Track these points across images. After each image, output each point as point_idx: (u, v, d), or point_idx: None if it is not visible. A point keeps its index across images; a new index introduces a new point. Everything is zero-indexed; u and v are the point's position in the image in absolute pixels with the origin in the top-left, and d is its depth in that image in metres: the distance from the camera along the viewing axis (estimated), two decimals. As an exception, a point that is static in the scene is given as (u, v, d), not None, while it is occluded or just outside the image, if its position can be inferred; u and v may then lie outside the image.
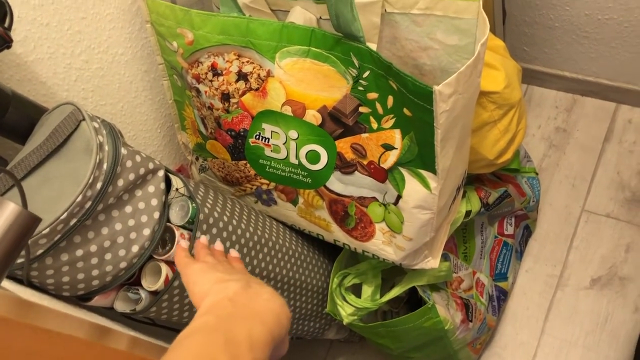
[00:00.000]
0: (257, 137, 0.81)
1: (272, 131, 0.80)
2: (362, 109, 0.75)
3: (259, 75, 0.76)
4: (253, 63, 0.76)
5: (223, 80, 0.78)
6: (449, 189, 0.79)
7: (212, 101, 0.80)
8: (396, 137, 0.74)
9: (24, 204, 0.41)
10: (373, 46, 0.78)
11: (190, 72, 0.80)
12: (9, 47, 0.60)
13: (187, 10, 0.74)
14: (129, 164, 0.60)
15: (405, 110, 0.70)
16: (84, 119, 0.58)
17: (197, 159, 0.94)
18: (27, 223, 0.38)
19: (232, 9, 0.75)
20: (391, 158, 0.76)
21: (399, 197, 0.78)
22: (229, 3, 0.74)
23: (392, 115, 0.73)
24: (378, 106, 0.73)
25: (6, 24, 0.58)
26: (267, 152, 0.82)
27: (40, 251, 0.55)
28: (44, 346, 0.42)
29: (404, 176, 0.76)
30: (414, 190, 0.76)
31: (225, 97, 0.79)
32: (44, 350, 0.43)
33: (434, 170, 0.72)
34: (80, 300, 0.64)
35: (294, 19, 0.78)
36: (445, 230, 0.89)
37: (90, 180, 0.55)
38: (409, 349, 1.03)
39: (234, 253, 0.59)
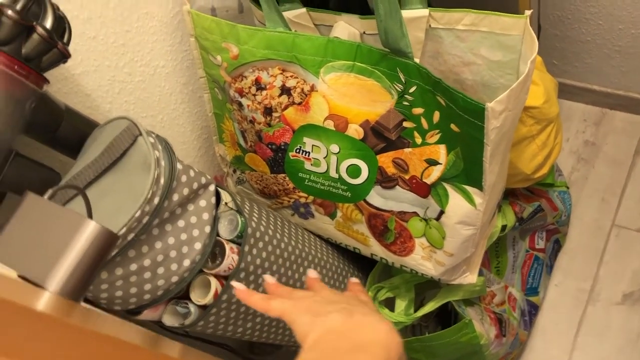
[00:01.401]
0: (298, 150, 0.82)
1: (313, 145, 0.80)
2: (406, 124, 0.75)
3: (302, 89, 0.77)
4: (297, 77, 0.76)
5: (266, 94, 0.78)
6: (492, 205, 0.79)
7: (254, 115, 0.81)
8: (441, 153, 0.74)
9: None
10: (416, 60, 0.78)
11: (234, 85, 0.80)
12: (65, 62, 0.60)
13: (233, 25, 0.75)
14: (183, 178, 0.60)
15: (453, 126, 0.70)
16: (140, 134, 0.58)
17: (234, 171, 0.94)
18: (108, 241, 0.38)
19: (277, 24, 0.75)
20: (435, 173, 0.76)
21: (441, 212, 0.78)
22: (275, 18, 0.75)
23: (437, 131, 0.73)
24: (423, 121, 0.73)
25: (65, 39, 0.58)
26: (307, 165, 0.82)
27: (98, 266, 0.55)
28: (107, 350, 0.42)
29: (447, 192, 0.76)
30: (458, 205, 0.75)
31: (268, 111, 0.79)
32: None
33: (480, 187, 0.72)
34: (130, 314, 0.64)
35: (338, 34, 0.78)
36: (483, 245, 0.89)
37: (149, 196, 0.55)
38: (442, 364, 1.02)
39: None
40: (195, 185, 0.62)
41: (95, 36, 0.75)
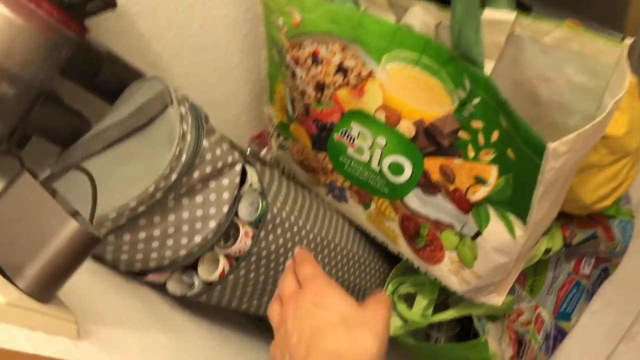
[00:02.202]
0: (343, 133, 0.77)
1: (359, 132, 0.75)
2: (461, 134, 0.68)
3: (360, 73, 0.71)
4: (356, 59, 0.71)
5: (322, 69, 0.73)
6: (535, 238, 0.73)
7: (305, 87, 0.76)
8: (492, 174, 0.68)
9: (93, 209, 0.39)
10: (490, 64, 0.71)
11: (291, 52, 0.75)
12: (112, 9, 0.57)
13: (300, -10, 0.69)
14: (208, 156, 0.57)
15: (510, 151, 0.63)
16: (171, 103, 0.55)
17: (278, 135, 0.91)
18: (88, 243, 0.36)
19: (346, 0, 0.69)
20: (481, 192, 0.70)
21: (478, 233, 0.72)
22: (346, -7, 0.68)
23: (493, 150, 0.66)
24: (480, 136, 0.67)
25: (112, -13, 0.55)
26: (350, 151, 0.78)
27: (104, 231, 0.54)
28: None
29: (489, 215, 0.70)
30: (497, 232, 0.70)
31: (320, 87, 0.75)
32: None
33: (524, 220, 0.66)
34: (135, 274, 0.63)
35: (411, 20, 0.71)
36: (518, 269, 0.83)
37: (166, 173, 0.53)
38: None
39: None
40: (219, 164, 0.59)
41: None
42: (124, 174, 0.54)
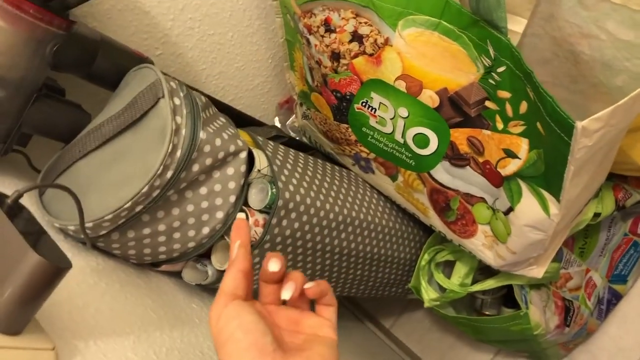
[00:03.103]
0: (364, 104, 0.72)
1: (380, 102, 0.70)
2: (488, 104, 0.62)
3: (375, 40, 0.65)
4: (371, 26, 0.65)
5: (335, 38, 0.68)
6: (572, 213, 0.67)
7: (321, 57, 0.71)
8: (522, 147, 0.61)
9: (82, 222, 0.38)
10: (522, 22, 0.64)
11: (303, 20, 0.70)
12: (97, -4, 0.54)
13: (305, -47, 0.63)
14: (207, 148, 0.55)
15: (539, 125, 0.57)
16: (163, 97, 0.52)
17: (301, 104, 0.86)
18: (54, 274, 0.35)
19: (356, -40, 0.63)
20: (511, 167, 0.64)
21: (510, 209, 0.67)
22: (354, -47, 0.62)
23: (522, 122, 0.60)
24: (508, 107, 0.60)
25: (93, -26, 0.52)
26: (372, 122, 0.73)
27: (103, 232, 0.53)
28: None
29: (521, 190, 0.64)
30: (530, 209, 0.64)
31: (336, 56, 0.69)
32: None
33: (557, 198, 0.60)
34: (150, 265, 0.63)
35: (429, -22, 0.64)
36: (560, 241, 0.77)
37: (160, 171, 0.51)
38: (490, 340, 0.96)
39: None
40: (221, 155, 0.56)
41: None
42: (118, 173, 0.53)
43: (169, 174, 0.52)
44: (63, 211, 0.54)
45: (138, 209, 0.52)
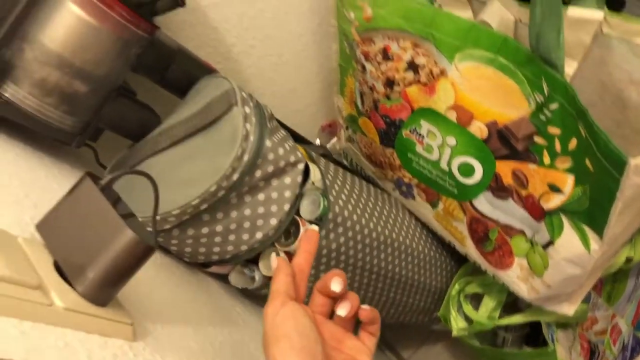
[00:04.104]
0: (412, 131, 0.75)
1: (429, 130, 0.73)
2: (537, 139, 0.65)
3: (431, 70, 0.69)
4: (428, 57, 0.68)
5: (392, 65, 0.71)
6: (613, 251, 0.68)
7: (375, 82, 0.74)
8: (568, 183, 0.64)
9: (155, 212, 0.40)
10: (574, 64, 0.66)
11: (361, 47, 0.74)
12: (183, 6, 0.58)
13: (372, -15, 0.67)
14: (270, 156, 0.58)
15: (587, 162, 0.59)
16: (236, 104, 0.55)
17: (347, 127, 0.90)
18: (144, 252, 0.37)
19: (420, -6, 0.66)
20: (555, 201, 0.66)
21: (550, 242, 0.69)
22: (420, -13, 0.66)
23: (570, 158, 0.62)
24: (557, 143, 0.63)
25: (182, -14, 0.56)
26: (419, 148, 0.76)
27: (167, 227, 0.56)
28: None
29: (563, 224, 0.66)
30: (570, 243, 0.66)
31: (390, 83, 0.73)
32: None
33: (600, 234, 0.62)
34: (199, 265, 0.65)
35: (489, 15, 0.68)
36: (594, 279, 0.79)
37: (228, 173, 0.54)
38: (513, 375, 0.97)
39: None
40: (282, 163, 0.59)
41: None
42: (188, 172, 0.56)
43: (235, 176, 0.55)
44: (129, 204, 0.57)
45: (203, 207, 0.55)
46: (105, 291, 0.37)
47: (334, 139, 1.05)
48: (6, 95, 0.52)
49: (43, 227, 0.39)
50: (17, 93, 0.52)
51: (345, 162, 0.96)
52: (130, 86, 0.63)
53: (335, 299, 0.48)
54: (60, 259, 0.38)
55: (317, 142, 1.04)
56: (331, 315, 0.49)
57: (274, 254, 0.63)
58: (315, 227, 0.48)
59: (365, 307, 0.48)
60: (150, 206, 0.43)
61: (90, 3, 0.51)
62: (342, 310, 0.47)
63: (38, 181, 0.51)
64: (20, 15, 0.51)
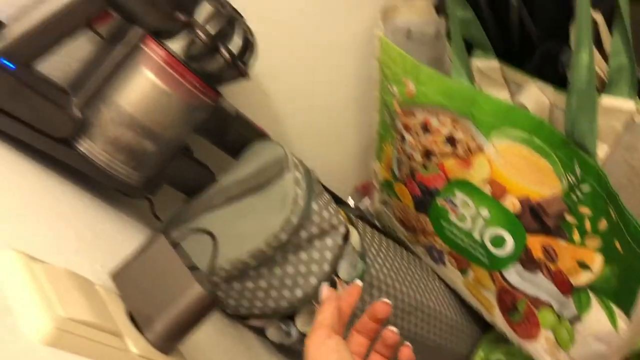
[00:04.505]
0: (447, 200, 0.78)
1: (463, 201, 0.77)
2: (568, 217, 0.68)
3: (468, 146, 0.73)
4: (466, 132, 0.72)
5: (431, 138, 0.75)
6: (638, 333, 0.70)
7: (413, 152, 0.79)
8: (596, 261, 0.66)
9: (212, 265, 0.44)
10: (605, 148, 0.70)
11: (402, 118, 0.78)
12: (246, 79, 0.63)
13: (417, 64, 0.72)
14: (315, 219, 0.61)
15: (617, 244, 0.62)
16: (288, 169, 0.60)
17: (382, 191, 0.94)
18: (210, 305, 0.41)
19: (462, 75, 0.71)
20: (583, 278, 0.69)
21: (577, 317, 0.71)
22: (461, 70, 0.71)
23: (599, 238, 0.65)
24: (587, 223, 0.66)
25: (247, 60, 0.61)
26: (452, 217, 0.79)
27: (215, 280, 0.59)
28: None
29: (590, 301, 0.69)
30: (598, 320, 0.68)
31: (428, 154, 0.77)
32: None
33: (628, 313, 0.64)
34: (238, 317, 0.68)
35: (525, 98, 0.72)
36: (621, 356, 0.80)
37: (278, 233, 0.58)
38: None
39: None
40: (325, 225, 0.63)
41: (286, 44, 0.77)
42: (240, 230, 0.60)
43: (284, 236, 0.59)
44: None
45: (252, 263, 0.59)
46: (172, 341, 0.41)
47: (366, 199, 1.09)
48: (82, 149, 0.57)
49: (117, 277, 0.43)
50: (92, 149, 0.58)
51: (377, 223, 0.99)
52: (188, 144, 0.69)
53: (374, 339, 0.50)
54: (133, 308, 0.41)
55: (350, 200, 1.09)
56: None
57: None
58: (359, 283, 0.51)
59: (408, 345, 0.50)
60: (203, 259, 0.47)
61: (165, 72, 0.57)
62: (391, 331, 0.50)
63: (105, 230, 0.55)
64: (102, 80, 0.56)
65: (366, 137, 1.00)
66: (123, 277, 0.43)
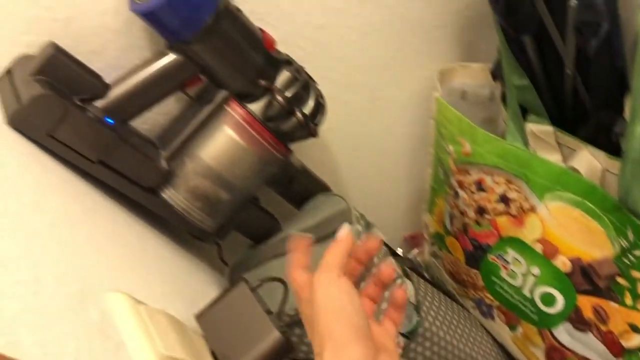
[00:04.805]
0: (498, 256, 0.81)
1: (514, 258, 0.79)
2: (619, 280, 0.69)
3: (521, 205, 0.76)
4: (519, 192, 0.75)
5: (485, 196, 0.79)
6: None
7: (466, 208, 0.82)
8: (648, 325, 0.67)
9: (282, 309, 0.48)
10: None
11: (456, 176, 0.82)
12: (315, 137, 0.68)
13: (473, 126, 0.76)
14: (374, 270, 0.65)
15: (670, 309, 0.63)
16: (351, 222, 0.64)
17: (432, 243, 0.97)
18: (284, 349, 0.45)
19: (516, 139, 0.75)
20: (635, 341, 0.70)
21: (628, 380, 0.71)
22: (516, 134, 0.74)
23: (652, 303, 0.67)
24: (639, 287, 0.67)
25: (317, 121, 0.66)
26: (503, 273, 0.81)
27: (281, 324, 0.63)
28: None
29: (642, 364, 0.69)
30: (649, 384, 0.69)
31: (481, 211, 0.80)
32: None
33: (679, 380, 0.65)
34: (296, 360, 0.72)
35: (578, 162, 0.75)
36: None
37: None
38: None
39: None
40: (384, 278, 0.66)
41: (347, 100, 0.83)
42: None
43: (345, 286, 0.62)
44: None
45: (314, 310, 0.63)
46: (250, 381, 0.45)
47: (415, 251, 1.12)
48: (165, 197, 0.63)
49: (202, 318, 0.48)
50: (174, 196, 0.63)
51: (426, 275, 1.02)
52: (256, 194, 0.74)
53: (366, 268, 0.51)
54: (215, 348, 0.46)
55: (399, 250, 1.12)
56: None
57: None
58: (380, 235, 0.52)
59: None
60: (272, 305, 0.51)
61: (244, 129, 0.63)
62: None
63: (182, 274, 0.60)
64: (188, 135, 0.62)
65: (417, 190, 1.04)
66: (207, 319, 0.47)
